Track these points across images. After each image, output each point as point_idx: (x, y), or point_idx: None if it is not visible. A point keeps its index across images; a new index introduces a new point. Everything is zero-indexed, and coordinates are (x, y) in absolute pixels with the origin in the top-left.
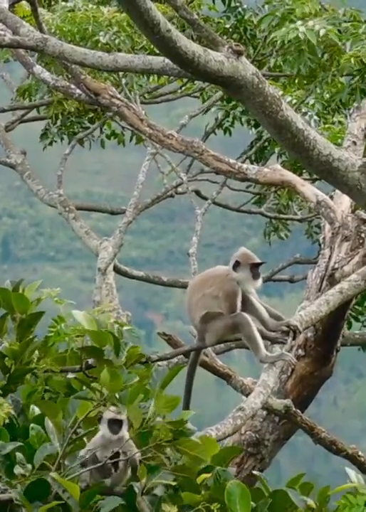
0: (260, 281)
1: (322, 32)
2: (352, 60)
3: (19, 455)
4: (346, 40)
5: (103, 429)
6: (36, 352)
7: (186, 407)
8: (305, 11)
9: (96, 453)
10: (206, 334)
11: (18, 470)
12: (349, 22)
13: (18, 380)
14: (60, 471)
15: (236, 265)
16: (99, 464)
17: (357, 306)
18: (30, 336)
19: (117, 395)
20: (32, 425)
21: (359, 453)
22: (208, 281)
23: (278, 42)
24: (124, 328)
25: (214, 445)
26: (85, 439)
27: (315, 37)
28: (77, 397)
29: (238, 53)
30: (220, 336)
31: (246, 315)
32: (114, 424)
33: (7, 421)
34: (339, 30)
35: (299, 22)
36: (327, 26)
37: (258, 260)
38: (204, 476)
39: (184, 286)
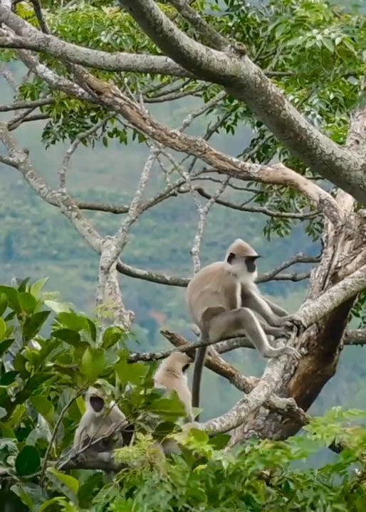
0: (255, 273)
1: (337, 40)
2: None
3: (12, 444)
4: (361, 48)
5: (88, 407)
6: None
7: (196, 404)
8: (319, 18)
9: (88, 431)
10: (209, 331)
11: (11, 460)
12: (362, 28)
13: (36, 385)
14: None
15: (231, 257)
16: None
17: (359, 303)
18: (36, 336)
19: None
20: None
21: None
22: (207, 277)
23: (292, 49)
24: (126, 333)
25: (203, 436)
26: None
27: (333, 45)
28: (61, 383)
29: (241, 52)
30: (223, 332)
31: (249, 310)
32: (96, 402)
33: (23, 426)
34: (353, 38)
35: (315, 30)
36: (342, 34)
37: (253, 253)
38: (200, 466)
39: (187, 284)
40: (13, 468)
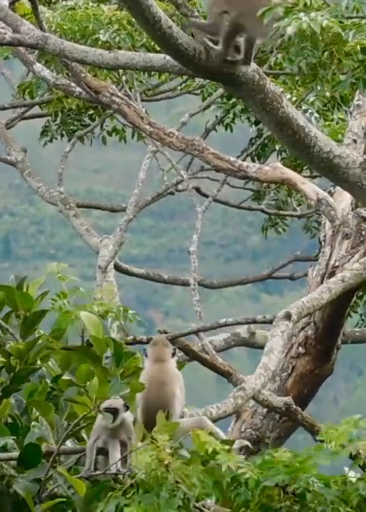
0: None
1: (324, 23)
2: (358, 47)
3: (10, 441)
4: (349, 29)
5: (100, 418)
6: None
7: None
8: (308, 3)
9: (102, 440)
10: None
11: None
12: (353, 17)
13: (22, 380)
14: (55, 465)
15: None
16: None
17: (357, 300)
18: (34, 334)
19: None
20: (33, 423)
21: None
22: None
23: (280, 32)
24: (129, 311)
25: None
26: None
27: (319, 28)
28: (67, 400)
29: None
30: None
31: None
32: (109, 412)
33: (10, 420)
34: (341, 22)
35: (301, 14)
36: (330, 18)
37: None
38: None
39: (184, 284)
40: (13, 464)
